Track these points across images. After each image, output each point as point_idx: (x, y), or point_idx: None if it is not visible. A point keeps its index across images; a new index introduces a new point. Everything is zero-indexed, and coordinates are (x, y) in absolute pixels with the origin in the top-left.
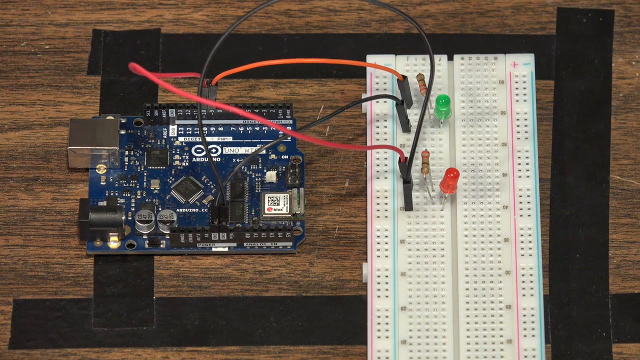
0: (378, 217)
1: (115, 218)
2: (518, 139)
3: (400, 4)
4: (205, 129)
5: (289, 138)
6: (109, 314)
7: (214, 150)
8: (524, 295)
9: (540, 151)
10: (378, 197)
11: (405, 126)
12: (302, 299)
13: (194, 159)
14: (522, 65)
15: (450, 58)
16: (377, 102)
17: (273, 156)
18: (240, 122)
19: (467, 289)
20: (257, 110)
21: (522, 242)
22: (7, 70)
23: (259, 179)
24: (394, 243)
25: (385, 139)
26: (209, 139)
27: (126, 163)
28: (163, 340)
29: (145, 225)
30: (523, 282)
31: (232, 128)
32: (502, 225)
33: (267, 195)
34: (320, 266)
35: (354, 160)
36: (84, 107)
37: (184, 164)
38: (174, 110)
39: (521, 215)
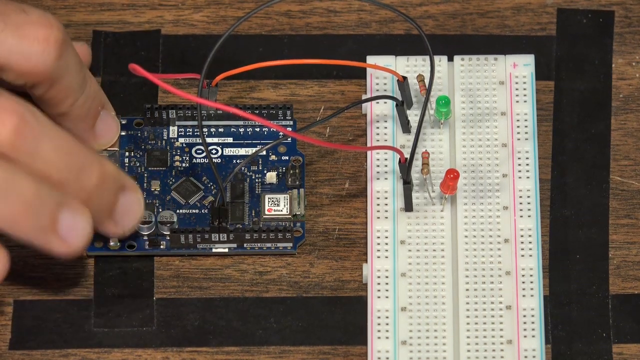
0: (378, 217)
1: None
2: (518, 139)
3: (400, 5)
4: (205, 130)
5: (289, 139)
6: (109, 315)
7: (214, 151)
8: (524, 295)
9: (541, 152)
10: (378, 198)
11: (406, 127)
12: (302, 300)
13: (194, 159)
14: (522, 66)
15: (451, 59)
16: (377, 102)
17: (273, 157)
18: (241, 123)
19: (467, 290)
20: (257, 111)
21: (522, 242)
22: None
23: (259, 179)
24: (394, 244)
25: (386, 140)
26: (209, 139)
27: (126, 164)
28: (163, 340)
29: (146, 226)
30: (523, 282)
31: (232, 129)
32: (502, 226)
33: (267, 196)
34: (320, 267)
35: (354, 161)
36: None
37: (184, 165)
38: (174, 111)
39: (521, 216)
